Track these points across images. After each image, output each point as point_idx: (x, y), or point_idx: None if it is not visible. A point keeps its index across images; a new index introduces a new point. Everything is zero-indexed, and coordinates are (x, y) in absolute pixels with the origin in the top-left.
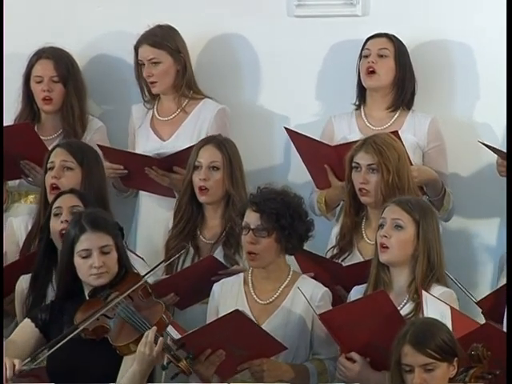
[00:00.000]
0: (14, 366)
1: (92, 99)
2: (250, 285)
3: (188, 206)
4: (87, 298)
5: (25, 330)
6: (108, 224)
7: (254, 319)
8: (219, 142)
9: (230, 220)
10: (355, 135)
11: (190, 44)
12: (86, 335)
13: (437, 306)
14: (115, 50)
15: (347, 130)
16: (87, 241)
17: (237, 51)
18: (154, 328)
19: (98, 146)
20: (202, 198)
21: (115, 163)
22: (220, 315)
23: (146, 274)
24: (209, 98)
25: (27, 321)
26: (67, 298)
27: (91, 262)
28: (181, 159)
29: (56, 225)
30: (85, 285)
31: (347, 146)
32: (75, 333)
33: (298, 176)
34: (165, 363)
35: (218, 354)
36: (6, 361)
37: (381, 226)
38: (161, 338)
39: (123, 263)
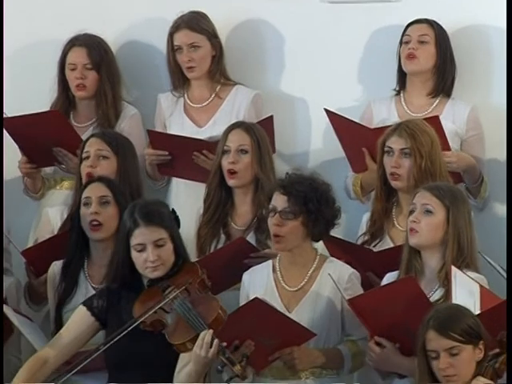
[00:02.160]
0: None
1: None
2: (279, 272)
3: (217, 192)
4: (146, 286)
5: (80, 319)
6: (162, 216)
7: (283, 306)
8: (247, 126)
9: (261, 205)
10: (394, 120)
11: (218, 29)
12: (144, 327)
13: (465, 282)
14: (145, 36)
15: (386, 114)
16: (141, 235)
17: (265, 37)
18: (211, 331)
19: (148, 130)
20: (230, 182)
21: (161, 149)
22: None
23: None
24: (239, 83)
25: (82, 309)
26: (125, 286)
27: (146, 256)
28: None
29: (86, 215)
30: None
31: (386, 129)
32: (133, 326)
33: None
34: (219, 367)
35: (246, 344)
36: None
37: (411, 212)
38: (216, 340)
39: (180, 253)
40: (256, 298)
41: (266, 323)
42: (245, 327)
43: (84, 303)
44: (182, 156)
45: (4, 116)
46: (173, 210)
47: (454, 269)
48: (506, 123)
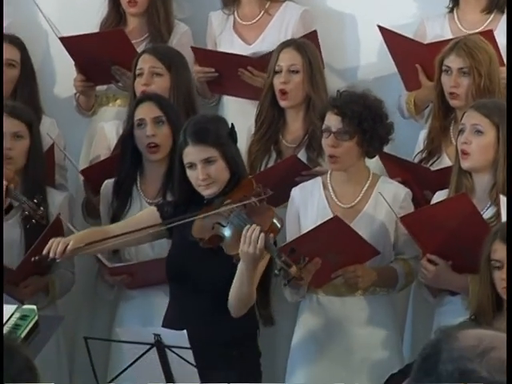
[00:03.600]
0: (66, 246)
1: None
2: (331, 189)
3: (269, 110)
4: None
5: (149, 216)
6: (212, 134)
7: None
8: (299, 44)
9: (312, 123)
10: (447, 37)
11: None
12: (203, 244)
13: None
14: None
15: (440, 32)
16: (190, 154)
17: None
18: (255, 225)
19: (192, 48)
20: (282, 103)
21: (207, 66)
22: (301, 220)
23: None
24: (289, 0)
25: (153, 209)
26: (190, 201)
27: (196, 175)
28: None
29: (142, 137)
30: None
31: (440, 44)
32: (181, 222)
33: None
34: (276, 271)
35: (314, 262)
36: (60, 240)
37: (461, 131)
38: (262, 234)
39: (235, 170)
40: (336, 216)
41: (338, 240)
42: (318, 244)
43: (156, 205)
44: (228, 73)
45: (59, 35)
46: (232, 125)
47: (502, 197)
48: (507, 122)
